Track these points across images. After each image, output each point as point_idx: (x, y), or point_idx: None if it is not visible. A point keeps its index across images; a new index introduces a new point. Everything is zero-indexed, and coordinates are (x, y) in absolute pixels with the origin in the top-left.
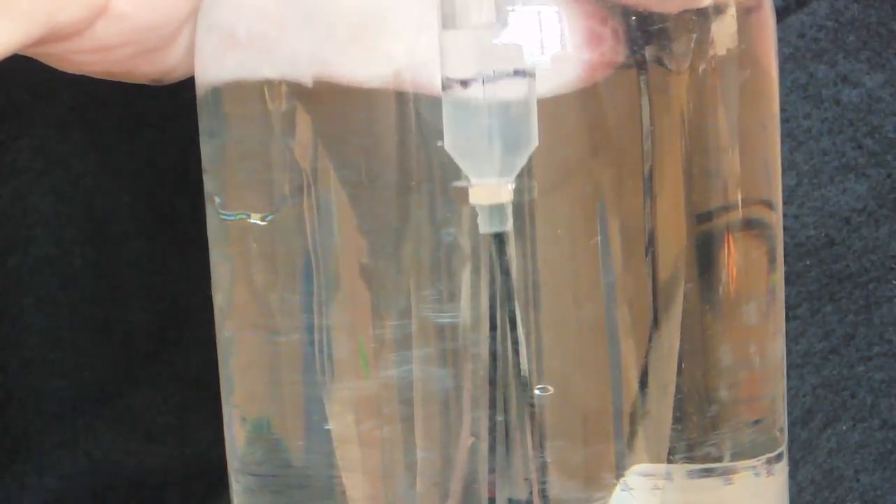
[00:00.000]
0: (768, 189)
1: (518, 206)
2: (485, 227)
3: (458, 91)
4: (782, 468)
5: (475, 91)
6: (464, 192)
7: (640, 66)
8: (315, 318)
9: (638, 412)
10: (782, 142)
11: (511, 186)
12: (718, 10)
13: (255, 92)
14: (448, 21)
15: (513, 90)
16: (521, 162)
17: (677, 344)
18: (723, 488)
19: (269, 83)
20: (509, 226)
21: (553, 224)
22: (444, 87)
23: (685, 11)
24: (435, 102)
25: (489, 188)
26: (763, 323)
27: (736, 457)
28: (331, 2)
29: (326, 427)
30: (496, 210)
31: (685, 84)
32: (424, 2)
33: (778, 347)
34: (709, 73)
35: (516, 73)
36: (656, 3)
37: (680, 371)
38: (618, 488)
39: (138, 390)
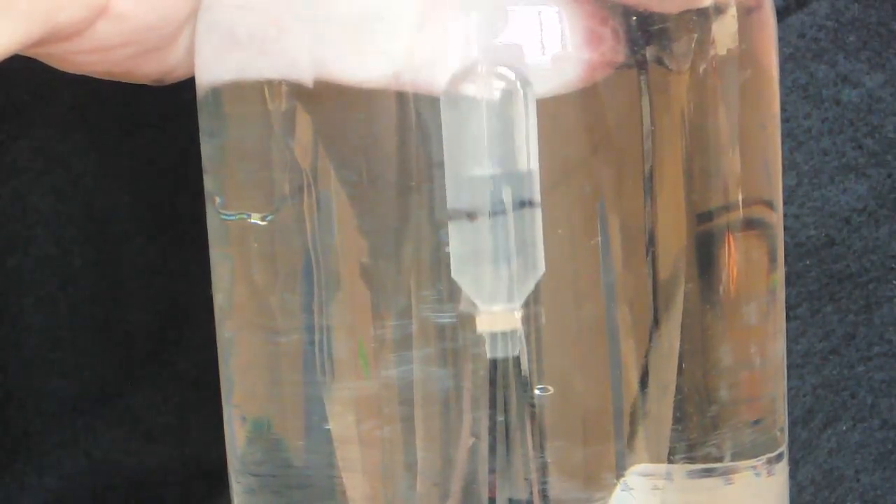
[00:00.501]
0: (769, 189)
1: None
2: (493, 353)
3: (465, 223)
4: (783, 468)
5: (482, 222)
6: (471, 320)
7: (641, 66)
8: (315, 318)
9: (638, 412)
10: (782, 142)
11: (518, 314)
12: (719, 10)
13: (255, 92)
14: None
15: (519, 220)
16: (529, 289)
17: (677, 344)
18: (723, 488)
19: (269, 83)
20: (517, 351)
21: (553, 224)
22: (450, 217)
23: (686, 11)
24: (435, 102)
25: (497, 316)
26: (763, 323)
27: (736, 457)
28: (330, 2)
29: (326, 427)
30: (504, 337)
31: (686, 84)
32: (424, 2)
33: (778, 347)
34: (709, 73)
35: (522, 204)
36: (657, 3)
37: (680, 371)
38: (618, 488)
39: (138, 390)
